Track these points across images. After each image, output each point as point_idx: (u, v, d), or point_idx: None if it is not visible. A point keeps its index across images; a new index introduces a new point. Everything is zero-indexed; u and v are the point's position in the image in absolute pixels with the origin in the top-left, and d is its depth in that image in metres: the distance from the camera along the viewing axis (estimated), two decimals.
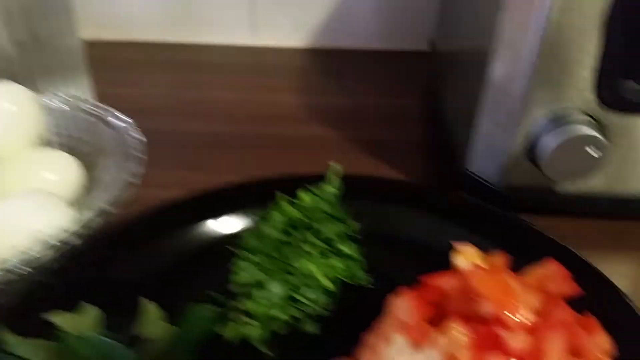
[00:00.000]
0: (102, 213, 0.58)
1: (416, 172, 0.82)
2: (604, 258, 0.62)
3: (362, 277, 0.62)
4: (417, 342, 0.49)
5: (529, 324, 0.47)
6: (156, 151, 0.85)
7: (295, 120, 0.99)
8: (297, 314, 0.58)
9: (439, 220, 0.67)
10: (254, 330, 0.56)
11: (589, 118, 0.63)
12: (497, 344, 0.45)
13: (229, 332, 0.56)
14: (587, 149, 0.62)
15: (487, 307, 0.49)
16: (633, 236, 0.73)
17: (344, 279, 0.61)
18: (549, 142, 0.63)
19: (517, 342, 0.45)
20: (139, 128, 0.70)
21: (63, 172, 0.67)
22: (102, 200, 0.59)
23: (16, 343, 0.50)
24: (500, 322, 0.47)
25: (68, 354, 0.48)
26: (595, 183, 0.70)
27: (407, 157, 0.87)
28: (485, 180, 0.72)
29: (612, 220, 0.74)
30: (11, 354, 0.49)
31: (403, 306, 0.50)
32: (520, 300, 0.49)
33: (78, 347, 0.49)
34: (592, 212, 0.73)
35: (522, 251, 0.56)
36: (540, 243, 0.62)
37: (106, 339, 0.49)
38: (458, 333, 0.46)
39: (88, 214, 0.58)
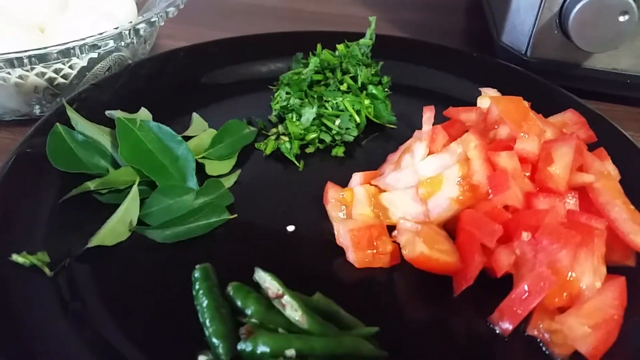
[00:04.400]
0: (152, 23, 0.64)
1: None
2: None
3: (387, 117, 0.67)
4: (436, 151, 0.54)
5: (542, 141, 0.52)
6: (200, 14, 0.90)
7: (337, 1, 1.02)
8: (326, 138, 0.63)
9: (463, 76, 0.71)
10: (286, 145, 0.61)
11: None
12: (507, 148, 0.50)
13: (267, 147, 0.62)
14: (617, 15, 0.65)
15: (504, 130, 0.54)
16: None
17: (371, 117, 0.66)
18: (579, 4, 0.65)
19: (528, 145, 0.49)
20: None
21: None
22: (153, 13, 0.65)
23: (79, 121, 0.56)
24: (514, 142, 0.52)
25: (125, 137, 0.55)
26: (621, 61, 0.72)
27: (446, 37, 0.90)
28: (517, 51, 0.75)
29: (637, 107, 0.77)
30: (74, 129, 0.56)
31: (427, 120, 0.55)
32: (537, 126, 0.53)
33: (138, 130, 0.55)
34: (618, 94, 0.75)
35: (543, 105, 0.60)
36: (561, 98, 0.66)
37: (164, 126, 0.56)
38: (471, 139, 0.51)
39: (142, 20, 0.64)
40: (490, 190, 0.48)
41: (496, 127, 0.54)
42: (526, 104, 0.55)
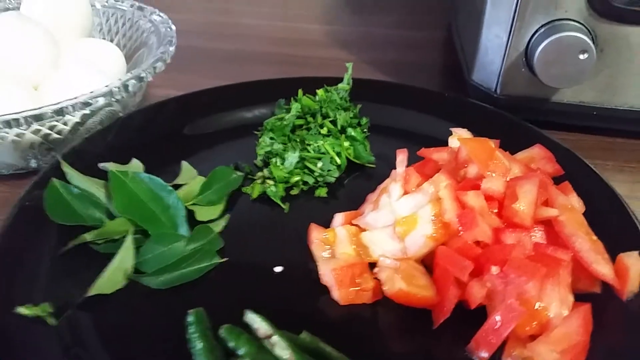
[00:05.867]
0: (141, 78, 0.68)
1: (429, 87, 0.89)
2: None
3: (366, 157, 0.70)
4: (410, 191, 0.57)
5: (508, 180, 0.56)
6: (187, 62, 0.94)
7: (317, 44, 1.07)
8: (309, 180, 0.67)
9: (437, 116, 0.75)
10: (272, 189, 0.65)
11: (581, 26, 0.70)
12: (475, 187, 0.54)
13: (253, 190, 0.66)
14: (577, 53, 0.69)
15: (473, 169, 0.57)
16: (622, 151, 0.79)
17: (351, 158, 0.70)
18: (542, 44, 0.70)
19: (493, 184, 0.53)
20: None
21: (109, 56, 0.77)
22: (141, 69, 0.69)
23: (74, 175, 0.59)
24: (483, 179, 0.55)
25: (118, 189, 0.58)
26: (586, 94, 0.77)
27: (422, 75, 0.94)
28: (487, 89, 0.80)
29: (604, 136, 0.81)
30: (70, 183, 0.59)
31: (401, 162, 0.58)
32: (503, 165, 0.57)
33: (130, 182, 0.58)
34: (586, 124, 0.80)
35: (512, 141, 0.64)
36: (529, 134, 0.70)
37: (154, 177, 0.59)
38: (442, 180, 0.55)
39: (131, 76, 0.68)
40: (460, 228, 0.51)
41: (466, 165, 0.58)
42: (492, 144, 0.58)
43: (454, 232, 0.52)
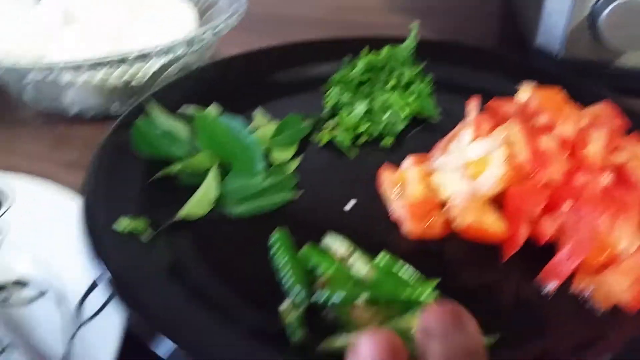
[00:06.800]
0: (217, 32, 0.71)
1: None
2: None
3: (431, 111, 0.73)
4: (482, 136, 0.59)
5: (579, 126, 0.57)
6: (248, 26, 0.98)
7: (376, 11, 1.09)
8: (376, 129, 0.69)
9: (501, 75, 0.77)
10: (340, 136, 0.68)
11: None
12: (547, 131, 0.55)
13: (322, 137, 0.68)
14: None
15: (544, 118, 0.59)
16: None
17: (416, 112, 0.72)
18: (609, 6, 0.71)
19: (566, 129, 0.55)
20: None
21: (183, 12, 0.80)
22: (217, 22, 0.72)
23: (159, 114, 0.63)
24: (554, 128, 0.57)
25: (202, 127, 0.61)
26: None
27: (481, 42, 0.96)
28: (549, 53, 0.81)
29: None
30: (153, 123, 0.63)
31: (473, 109, 0.60)
32: (574, 113, 0.58)
33: (212, 125, 0.61)
34: None
35: (579, 100, 0.65)
36: (595, 93, 0.71)
37: (234, 120, 0.62)
38: (514, 125, 0.57)
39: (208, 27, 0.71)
40: (533, 168, 0.53)
41: (536, 116, 0.60)
42: (564, 99, 0.60)
43: (525, 174, 0.54)
